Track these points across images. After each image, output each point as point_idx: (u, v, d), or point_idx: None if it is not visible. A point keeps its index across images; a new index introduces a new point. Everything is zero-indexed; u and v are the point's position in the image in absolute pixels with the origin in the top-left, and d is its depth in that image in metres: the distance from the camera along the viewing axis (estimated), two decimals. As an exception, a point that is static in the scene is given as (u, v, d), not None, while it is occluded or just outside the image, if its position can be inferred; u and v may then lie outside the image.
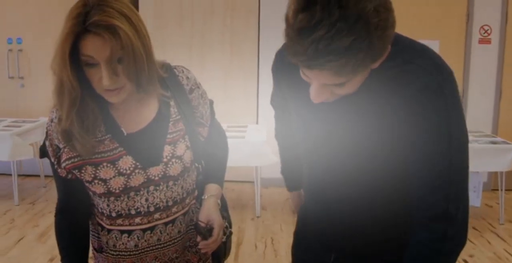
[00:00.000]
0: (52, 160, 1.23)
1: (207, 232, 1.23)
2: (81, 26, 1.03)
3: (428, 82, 0.96)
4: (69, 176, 1.23)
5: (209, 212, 1.26)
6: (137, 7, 4.79)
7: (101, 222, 1.27)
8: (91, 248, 1.36)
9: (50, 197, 4.30)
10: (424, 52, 1.01)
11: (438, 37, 4.52)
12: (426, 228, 0.98)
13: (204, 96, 1.32)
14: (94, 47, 1.05)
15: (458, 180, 0.97)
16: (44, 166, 4.49)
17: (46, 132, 1.23)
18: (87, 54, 1.05)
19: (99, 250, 1.32)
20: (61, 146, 1.20)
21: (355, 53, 0.86)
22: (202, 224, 1.24)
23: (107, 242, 1.27)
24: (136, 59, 1.07)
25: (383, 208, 1.11)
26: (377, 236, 1.15)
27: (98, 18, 1.02)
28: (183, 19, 4.76)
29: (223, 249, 1.37)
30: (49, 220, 3.75)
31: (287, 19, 0.91)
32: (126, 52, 1.06)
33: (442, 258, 0.99)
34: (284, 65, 1.17)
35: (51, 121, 1.20)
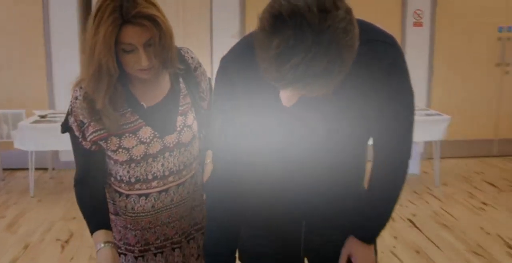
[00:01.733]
0: (77, 134, 1.34)
1: None
2: (121, 19, 1.18)
3: (395, 56, 1.13)
4: (93, 147, 1.36)
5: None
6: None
7: (119, 189, 1.42)
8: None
9: (11, 189, 4.28)
10: (383, 31, 1.17)
11: (375, 21, 4.87)
12: (390, 167, 1.23)
13: (205, 74, 1.49)
14: (135, 35, 1.19)
15: (411, 132, 1.22)
16: (2, 158, 4.46)
17: (71, 109, 1.34)
18: (127, 42, 1.20)
19: (115, 214, 1.47)
20: (85, 121, 1.32)
21: (330, 73, 0.90)
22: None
23: (125, 206, 1.42)
24: (167, 42, 1.25)
25: (343, 173, 1.26)
26: (338, 200, 1.28)
27: (138, 10, 1.18)
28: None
29: None
30: (15, 211, 3.78)
31: (260, 42, 0.92)
32: (162, 37, 1.22)
33: (400, 182, 1.25)
34: (240, 72, 1.16)
35: (76, 98, 1.32)
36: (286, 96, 1.02)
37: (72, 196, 4.34)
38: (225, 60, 1.19)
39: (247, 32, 5.17)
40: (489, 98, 5.35)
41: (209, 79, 1.51)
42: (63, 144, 3.88)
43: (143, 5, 1.19)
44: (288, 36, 0.87)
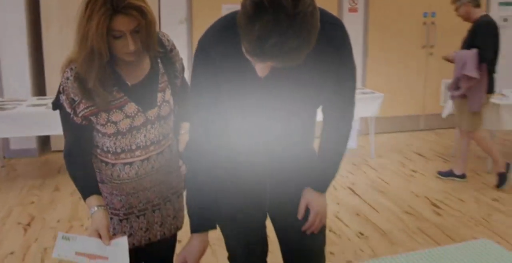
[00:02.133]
0: (69, 110, 1.50)
1: None
2: (112, 9, 1.34)
3: (343, 35, 1.37)
4: (83, 122, 1.52)
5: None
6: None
7: (105, 159, 1.59)
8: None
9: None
10: (332, 15, 1.39)
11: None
12: (337, 125, 1.51)
13: (178, 55, 1.67)
14: (124, 23, 1.37)
15: (354, 97, 1.51)
16: None
17: (62, 88, 1.49)
18: (118, 29, 1.37)
19: (101, 182, 1.62)
20: (76, 98, 1.47)
21: (301, 50, 1.10)
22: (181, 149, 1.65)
23: (111, 174, 1.60)
24: (151, 30, 1.43)
25: (300, 135, 1.51)
26: (295, 159, 1.54)
27: (128, 1, 1.34)
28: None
29: None
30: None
31: (242, 25, 1.10)
32: (147, 25, 1.40)
33: (346, 139, 1.53)
34: (218, 52, 1.33)
35: (67, 79, 1.46)
36: (261, 68, 1.20)
37: (27, 183, 4.39)
38: (203, 41, 1.36)
39: (195, 18, 5.39)
40: (416, 78, 5.82)
41: (181, 59, 1.70)
42: (14, 131, 3.93)
43: None
44: (268, 20, 1.06)
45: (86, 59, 1.40)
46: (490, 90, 3.91)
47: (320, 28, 1.17)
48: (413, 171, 4.45)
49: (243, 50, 1.19)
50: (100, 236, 1.46)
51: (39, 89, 5.02)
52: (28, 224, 3.31)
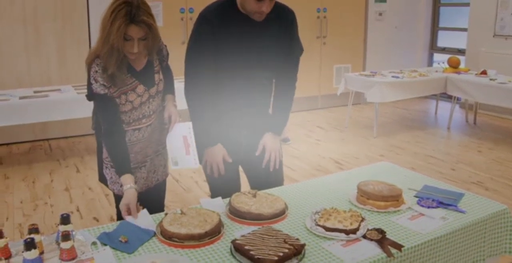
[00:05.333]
0: (106, 91, 1.93)
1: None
2: (129, 20, 1.86)
3: (293, 16, 2.15)
4: (116, 101, 1.97)
5: (168, 108, 2.10)
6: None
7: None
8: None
9: None
10: (282, 3, 2.12)
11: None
12: (288, 81, 2.24)
13: (163, 44, 2.13)
14: (135, 32, 1.84)
15: (299, 62, 2.27)
16: None
17: (94, 79, 1.92)
18: (129, 34, 1.89)
19: None
20: (107, 84, 1.92)
21: None
22: (166, 119, 2.15)
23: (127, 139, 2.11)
24: (155, 40, 1.97)
25: (263, 92, 2.19)
26: (261, 111, 2.22)
27: (142, 18, 1.87)
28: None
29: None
30: None
31: None
32: (152, 37, 1.94)
33: (292, 96, 2.26)
34: (218, 18, 1.98)
35: (96, 71, 1.91)
36: (266, 4, 1.94)
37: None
38: (206, 11, 2.03)
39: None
40: (313, 64, 6.84)
41: (166, 46, 2.23)
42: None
43: (145, 15, 1.90)
44: None
45: (107, 52, 1.91)
46: None
47: (280, 10, 2.04)
48: (318, 140, 5.42)
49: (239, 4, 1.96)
50: (128, 211, 1.83)
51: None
52: (-7, 207, 3.61)
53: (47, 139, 5.44)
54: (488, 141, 5.33)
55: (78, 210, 3.56)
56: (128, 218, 1.79)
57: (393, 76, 5.55)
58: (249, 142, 2.24)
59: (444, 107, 6.86)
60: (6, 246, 1.53)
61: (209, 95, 2.12)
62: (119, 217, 2.24)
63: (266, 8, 1.95)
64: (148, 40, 1.93)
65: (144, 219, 1.78)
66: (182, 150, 2.06)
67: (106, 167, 2.19)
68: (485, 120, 6.35)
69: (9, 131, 5.13)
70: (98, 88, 1.97)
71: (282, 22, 2.12)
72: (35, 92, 4.48)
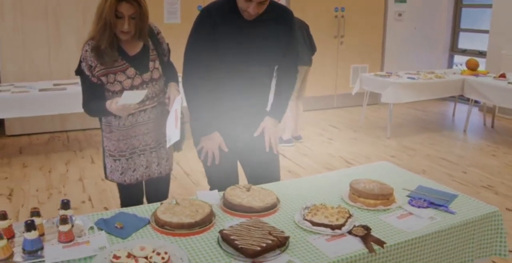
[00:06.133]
0: (88, 73, 2.08)
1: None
2: None
3: (292, 16, 2.20)
4: (98, 82, 2.10)
5: (169, 91, 2.18)
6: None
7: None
8: (103, 135, 2.25)
9: None
10: (280, 3, 2.21)
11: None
12: (289, 73, 2.31)
13: (164, 39, 2.26)
14: (125, 8, 1.98)
15: (298, 57, 2.32)
16: None
17: (83, 58, 2.07)
18: (120, 11, 1.98)
19: (110, 132, 2.22)
20: (93, 64, 2.06)
21: None
22: (167, 100, 2.21)
23: (118, 124, 2.19)
24: (144, 19, 2.06)
25: (260, 88, 2.25)
26: (257, 106, 2.28)
27: None
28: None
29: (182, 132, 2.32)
30: None
31: None
32: (141, 14, 2.03)
33: (293, 85, 2.34)
34: (219, 14, 2.05)
35: (86, 51, 2.06)
36: (253, 6, 1.98)
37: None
38: (208, 6, 2.11)
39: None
40: (330, 63, 6.85)
41: (167, 44, 2.33)
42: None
43: None
44: None
45: (101, 28, 2.04)
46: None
47: (280, 10, 2.14)
48: (330, 139, 5.44)
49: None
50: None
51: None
52: (10, 195, 3.76)
53: (66, 131, 5.61)
54: (504, 145, 5.27)
55: (90, 200, 3.68)
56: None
57: (408, 77, 5.52)
58: (246, 137, 2.30)
59: (463, 109, 6.78)
60: (10, 226, 1.63)
61: (207, 84, 2.18)
62: (123, 206, 2.34)
63: (252, 9, 2.01)
64: (138, 19, 2.05)
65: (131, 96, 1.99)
66: (173, 124, 2.12)
67: (106, 156, 2.30)
68: (503, 124, 6.26)
69: (30, 122, 5.32)
70: (85, 68, 2.12)
71: (280, 22, 2.18)
72: (54, 85, 4.64)
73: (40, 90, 4.40)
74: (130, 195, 2.39)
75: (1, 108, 4.21)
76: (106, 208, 3.52)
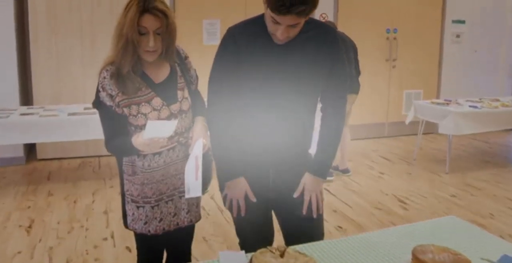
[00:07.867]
0: (111, 104, 1.74)
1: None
2: (142, 8, 1.63)
3: (334, 35, 1.77)
4: (123, 113, 1.75)
5: (194, 128, 1.85)
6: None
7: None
8: (124, 177, 1.87)
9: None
10: (321, 21, 1.81)
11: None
12: (333, 111, 1.84)
13: (192, 64, 1.93)
14: (149, 22, 1.65)
15: (347, 88, 1.86)
16: None
17: (101, 87, 1.74)
18: (143, 25, 1.65)
19: (133, 174, 1.85)
20: (113, 93, 1.73)
21: (310, 4, 1.53)
22: (190, 141, 1.85)
23: (142, 165, 1.82)
24: (171, 33, 1.72)
25: (301, 119, 1.82)
26: (293, 148, 1.85)
27: (156, 5, 1.64)
28: (72, 10, 5.05)
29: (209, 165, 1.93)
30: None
31: None
32: (168, 28, 1.69)
33: (340, 132, 1.85)
34: (243, 37, 1.73)
35: (104, 78, 1.74)
36: (281, 29, 1.62)
37: (20, 189, 4.57)
38: (233, 28, 1.79)
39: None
40: (381, 88, 6.36)
41: (195, 70, 1.99)
42: (7, 139, 4.04)
43: (160, 2, 1.69)
44: None
45: (122, 48, 1.70)
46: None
47: (320, 28, 1.73)
48: (381, 173, 4.91)
49: (266, 18, 1.67)
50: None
51: (27, 98, 5.20)
52: (30, 227, 3.50)
53: (98, 156, 5.39)
54: None
55: (112, 237, 3.35)
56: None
57: (470, 106, 4.94)
58: (278, 183, 1.89)
59: (531, 141, 6.07)
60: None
61: (232, 117, 1.82)
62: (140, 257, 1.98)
63: (281, 34, 1.64)
64: (165, 35, 1.71)
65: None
66: (193, 175, 1.76)
67: (128, 202, 1.92)
68: None
69: (62, 145, 5.13)
70: (105, 98, 1.77)
71: (321, 43, 1.76)
72: (85, 108, 4.42)
73: (69, 114, 4.19)
74: (150, 246, 2.01)
75: (28, 132, 4.03)
76: (128, 249, 3.17)
